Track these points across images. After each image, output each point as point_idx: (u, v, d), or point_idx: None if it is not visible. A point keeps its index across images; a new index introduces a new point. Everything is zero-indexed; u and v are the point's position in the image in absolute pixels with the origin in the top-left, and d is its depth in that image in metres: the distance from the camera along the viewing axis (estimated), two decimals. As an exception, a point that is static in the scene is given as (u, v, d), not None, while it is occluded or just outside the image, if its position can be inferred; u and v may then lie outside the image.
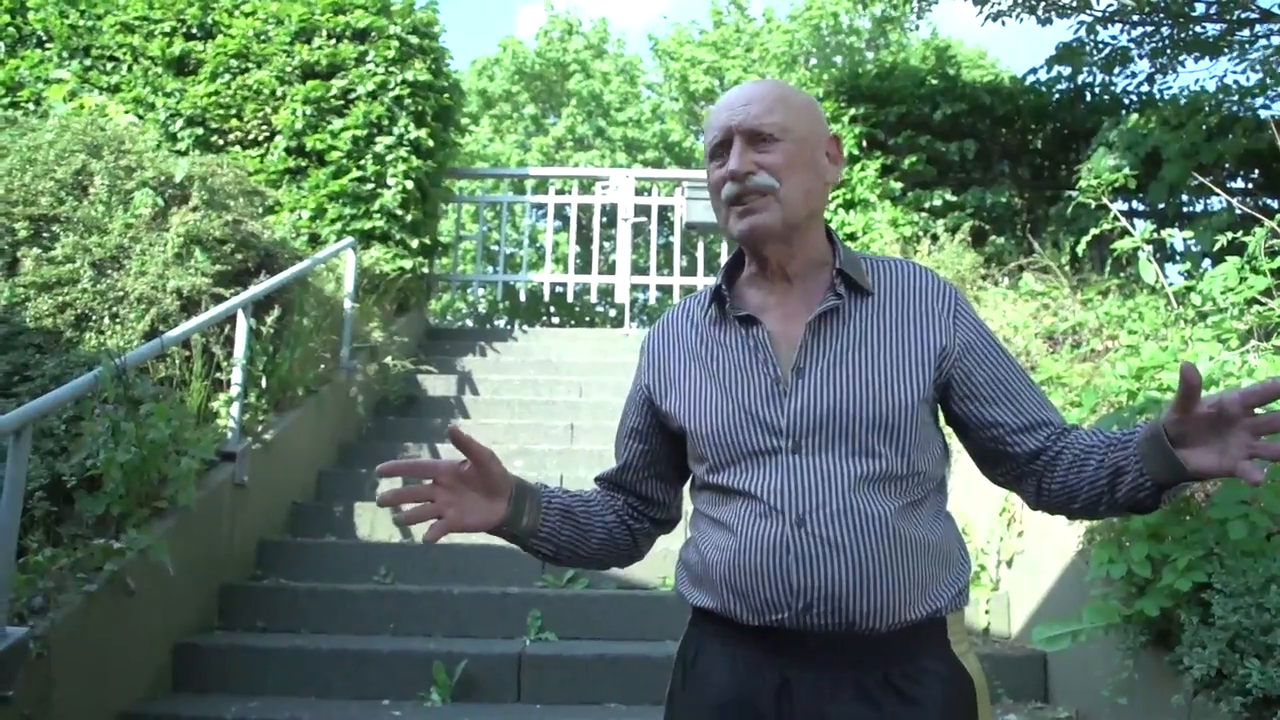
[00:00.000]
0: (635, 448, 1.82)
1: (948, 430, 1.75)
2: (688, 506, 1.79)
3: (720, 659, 1.63)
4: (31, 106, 7.53)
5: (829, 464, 1.57)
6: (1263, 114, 7.29)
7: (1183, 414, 1.46)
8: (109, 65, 8.05)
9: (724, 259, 9.52)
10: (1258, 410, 1.43)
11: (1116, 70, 8.47)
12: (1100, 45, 8.34)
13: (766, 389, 1.62)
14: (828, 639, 1.55)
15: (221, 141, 7.76)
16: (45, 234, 5.35)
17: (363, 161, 7.67)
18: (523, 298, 11.19)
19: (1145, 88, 8.46)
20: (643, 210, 9.48)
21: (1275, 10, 7.52)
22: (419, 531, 5.44)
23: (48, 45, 8.09)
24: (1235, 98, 7.38)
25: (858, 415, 1.58)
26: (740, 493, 1.61)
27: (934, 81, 8.17)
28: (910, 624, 1.56)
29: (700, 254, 9.58)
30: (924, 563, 1.58)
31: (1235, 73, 7.94)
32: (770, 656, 1.58)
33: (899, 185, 7.65)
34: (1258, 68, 7.58)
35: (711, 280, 1.81)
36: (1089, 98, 8.46)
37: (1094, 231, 5.97)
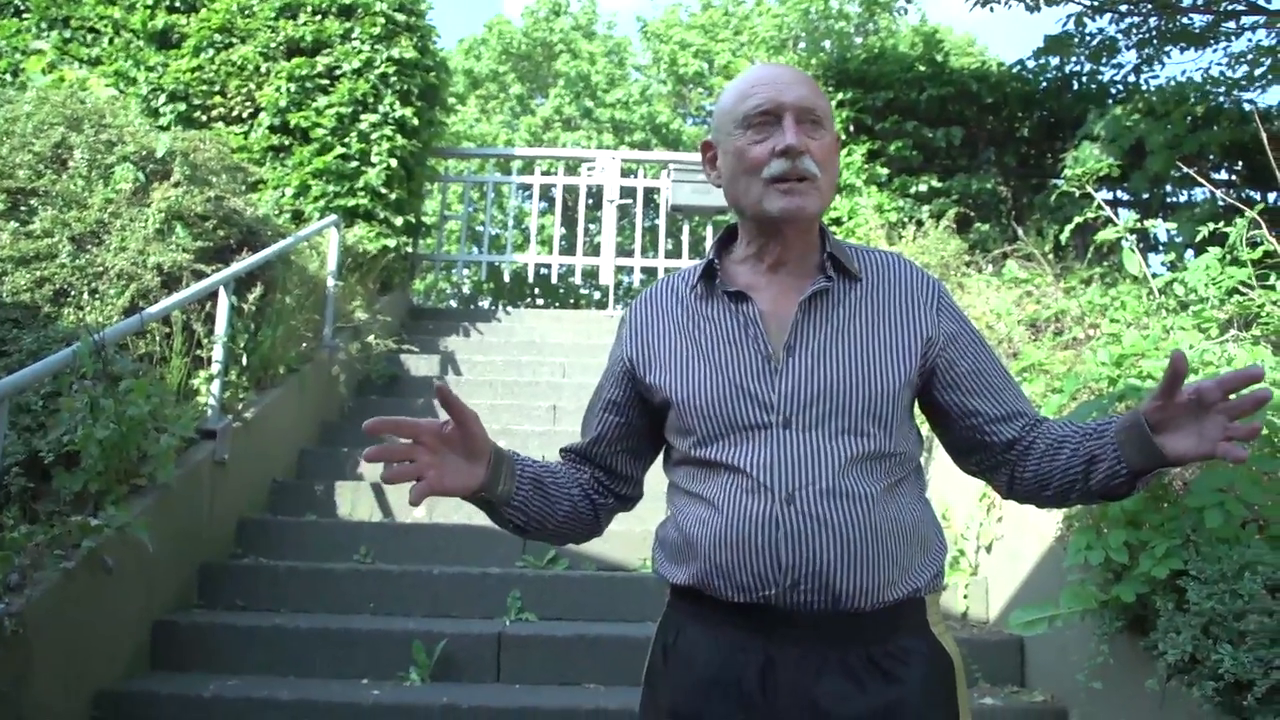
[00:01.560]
0: (611, 420, 1.80)
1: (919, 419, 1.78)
2: (652, 487, 1.78)
3: (703, 638, 1.63)
4: (9, 78, 7.43)
5: (819, 441, 1.58)
6: (1246, 106, 7.32)
7: (1166, 400, 1.50)
8: (89, 37, 7.95)
9: (709, 242, 9.49)
10: (1232, 395, 1.48)
11: (1104, 60, 8.48)
12: (1088, 36, 8.34)
13: (757, 365, 1.63)
14: (813, 617, 1.56)
15: (205, 117, 7.69)
16: (23, 207, 5.30)
17: (347, 139, 7.62)
18: (507, 279, 11.15)
19: (1131, 78, 8.48)
20: (628, 192, 9.46)
21: (1261, 3, 7.53)
22: (400, 511, 5.44)
23: (25, 15, 7.98)
24: (1222, 89, 7.40)
25: (848, 394, 1.60)
26: (726, 467, 1.61)
27: (922, 67, 8.16)
28: (892, 603, 1.58)
29: (685, 237, 9.58)
30: (906, 543, 1.60)
31: (1221, 65, 7.96)
32: (754, 635, 1.58)
33: (885, 171, 7.66)
34: (1244, 61, 7.60)
35: (696, 263, 1.80)
36: (1076, 87, 8.47)
37: (1078, 220, 5.98)
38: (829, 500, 1.55)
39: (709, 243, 9.79)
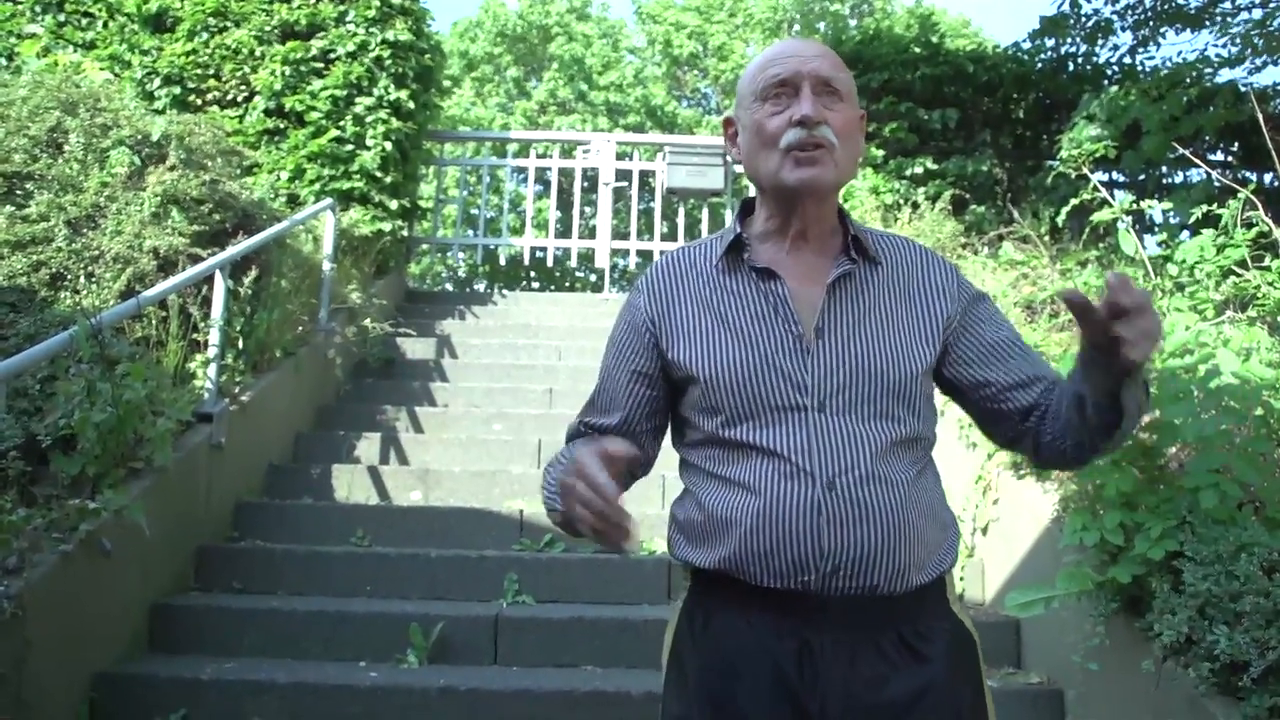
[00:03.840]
0: (642, 393, 1.73)
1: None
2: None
3: (736, 622, 1.61)
4: (3, 62, 7.40)
5: (854, 426, 1.58)
6: (1243, 88, 7.31)
7: (1087, 329, 1.42)
8: (83, 21, 7.91)
9: (705, 225, 9.38)
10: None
11: (1099, 41, 8.47)
12: (1084, 17, 8.33)
13: (789, 345, 1.61)
14: (846, 602, 1.56)
15: (199, 101, 7.65)
16: (19, 192, 5.28)
17: (342, 122, 7.59)
18: (503, 262, 11.14)
19: (1127, 59, 8.47)
20: (624, 175, 9.44)
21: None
22: (396, 494, 5.45)
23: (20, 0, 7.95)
24: (1215, 70, 7.40)
25: (879, 379, 1.60)
26: (759, 449, 1.59)
27: (917, 49, 8.14)
28: (919, 586, 1.59)
29: (681, 220, 9.56)
30: (933, 526, 1.62)
31: (1216, 45, 7.95)
32: (788, 619, 1.57)
33: (880, 153, 7.65)
34: (1238, 41, 7.59)
35: (713, 236, 1.80)
36: (1071, 68, 8.46)
37: (1074, 202, 5.97)
38: (868, 486, 1.55)
39: (704, 225, 9.80)
